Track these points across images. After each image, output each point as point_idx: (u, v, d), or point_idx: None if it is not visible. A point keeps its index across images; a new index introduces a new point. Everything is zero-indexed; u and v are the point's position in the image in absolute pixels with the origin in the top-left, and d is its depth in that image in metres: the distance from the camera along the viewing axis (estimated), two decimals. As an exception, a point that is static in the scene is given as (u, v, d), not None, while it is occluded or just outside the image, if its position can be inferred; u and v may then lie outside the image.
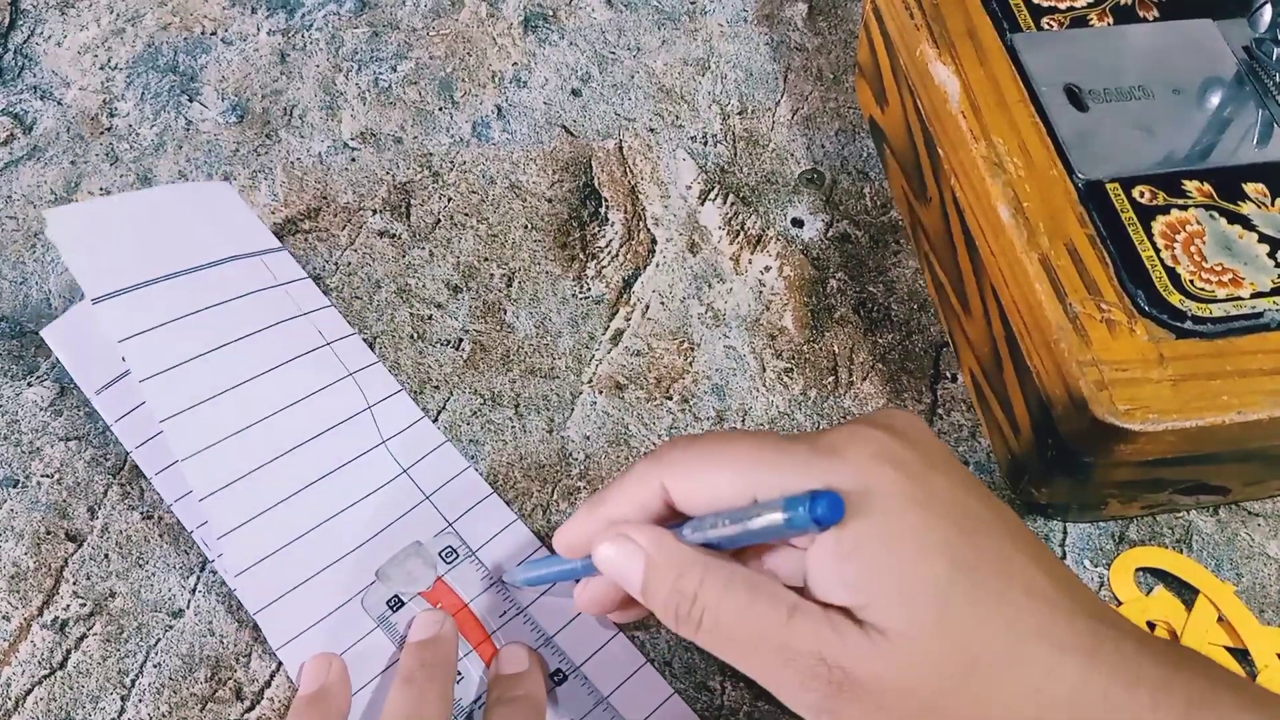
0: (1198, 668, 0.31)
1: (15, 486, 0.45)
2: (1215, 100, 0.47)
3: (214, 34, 0.58)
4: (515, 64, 0.58)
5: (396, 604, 0.42)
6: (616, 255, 0.52)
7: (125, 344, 0.41)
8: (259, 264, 0.47)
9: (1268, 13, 0.46)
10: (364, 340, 0.49)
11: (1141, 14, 0.49)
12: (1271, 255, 0.42)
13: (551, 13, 0.60)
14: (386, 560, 0.43)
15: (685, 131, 0.56)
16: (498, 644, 0.42)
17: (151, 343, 0.42)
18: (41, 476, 0.45)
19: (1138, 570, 0.46)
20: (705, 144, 0.56)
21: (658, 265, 0.52)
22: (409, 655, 0.40)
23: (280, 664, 0.41)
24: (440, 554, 0.43)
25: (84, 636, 0.42)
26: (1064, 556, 0.46)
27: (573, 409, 0.48)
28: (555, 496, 0.46)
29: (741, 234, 0.53)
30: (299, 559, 0.42)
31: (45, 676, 0.41)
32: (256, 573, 0.42)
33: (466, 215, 0.53)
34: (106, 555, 0.43)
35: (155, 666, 0.41)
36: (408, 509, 0.44)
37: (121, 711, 0.40)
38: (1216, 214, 0.43)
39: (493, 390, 0.48)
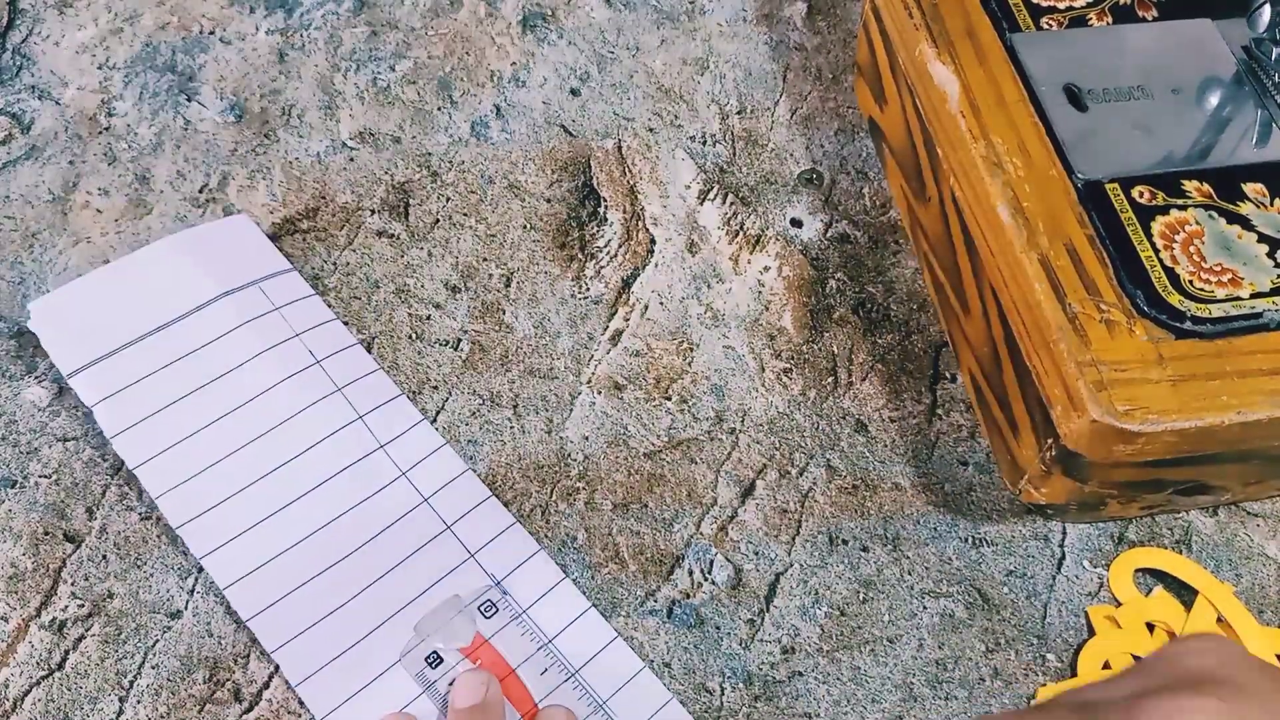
0: None
1: (13, 487, 0.44)
2: (1214, 100, 0.47)
3: (212, 33, 0.58)
4: (514, 63, 0.58)
5: (435, 660, 0.41)
6: (615, 255, 0.52)
7: (96, 408, 0.44)
8: (254, 293, 0.48)
9: (1266, 13, 0.46)
10: (364, 346, 0.49)
11: (1140, 14, 0.49)
12: (1271, 255, 0.42)
13: (550, 12, 0.60)
14: (425, 617, 0.42)
15: (684, 131, 0.56)
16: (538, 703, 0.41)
17: (120, 403, 0.45)
18: (39, 477, 0.45)
19: (1137, 571, 0.46)
20: (704, 144, 0.56)
21: (656, 265, 0.52)
22: None
23: (278, 666, 0.41)
24: (479, 608, 0.43)
25: (82, 637, 0.42)
26: (1063, 557, 0.46)
27: (571, 409, 0.48)
28: (554, 497, 0.46)
29: (740, 234, 0.53)
30: (297, 571, 0.42)
31: (43, 677, 0.41)
32: (271, 613, 0.42)
33: (465, 215, 0.53)
34: (104, 556, 0.43)
35: (153, 667, 0.41)
36: (408, 510, 0.44)
37: (120, 712, 0.40)
38: (1216, 214, 0.43)
39: (491, 391, 0.48)
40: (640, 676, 0.42)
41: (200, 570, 0.43)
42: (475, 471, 0.46)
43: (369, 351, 0.49)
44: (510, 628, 0.42)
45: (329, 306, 0.49)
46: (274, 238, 0.51)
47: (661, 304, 0.51)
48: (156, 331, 0.46)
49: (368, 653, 0.41)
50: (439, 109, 0.56)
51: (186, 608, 0.42)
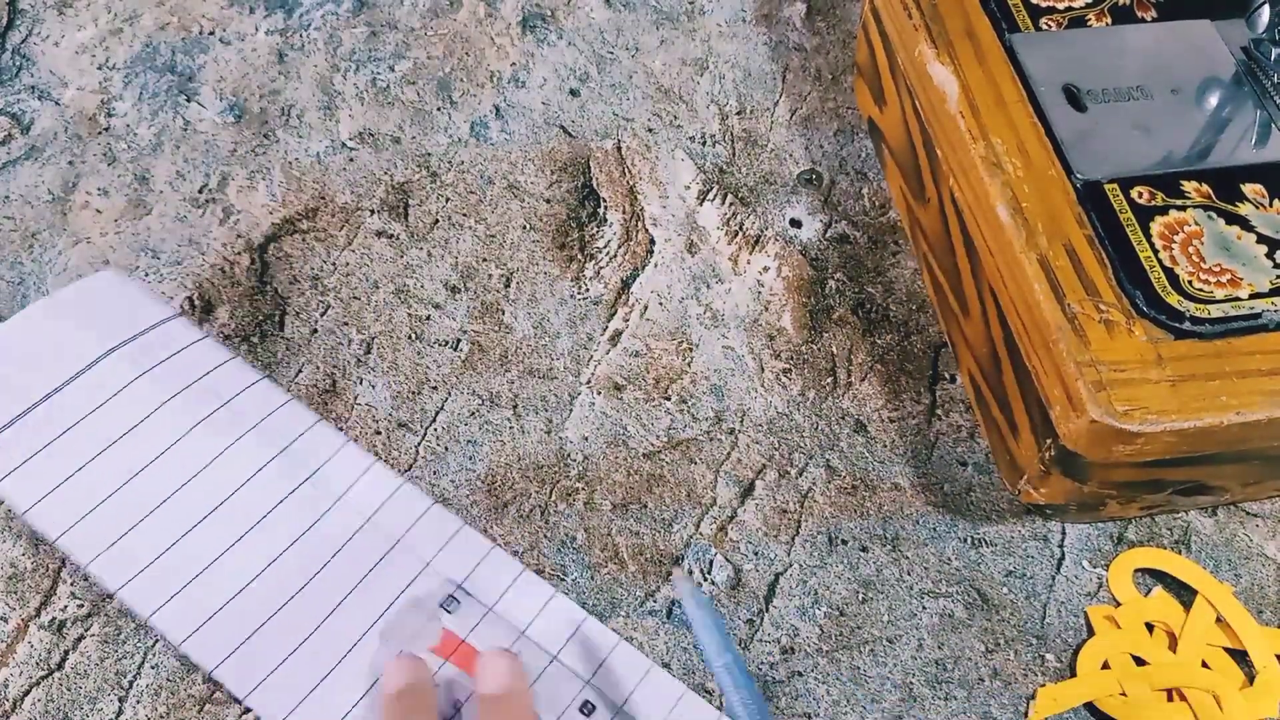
0: None
1: (13, 487, 0.45)
2: (1213, 101, 0.47)
3: (212, 34, 0.58)
4: (513, 64, 0.58)
5: None
6: (615, 256, 0.52)
7: (1, 484, 0.42)
8: (141, 345, 0.46)
9: (1266, 13, 0.46)
10: (364, 345, 0.49)
11: (1140, 14, 0.49)
12: (1270, 256, 0.42)
13: (550, 12, 0.60)
14: (387, 622, 0.41)
15: (684, 132, 0.56)
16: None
17: (26, 476, 0.42)
18: (39, 477, 0.45)
19: (1136, 571, 0.46)
20: (704, 144, 0.56)
21: (656, 265, 0.52)
22: (389, 711, 0.38)
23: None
24: (441, 604, 0.42)
25: (81, 637, 0.42)
26: (1062, 558, 0.46)
27: (571, 409, 0.48)
28: (553, 497, 0.46)
29: (740, 234, 0.53)
30: (251, 615, 0.41)
31: (43, 677, 0.41)
32: (234, 661, 0.40)
33: (464, 215, 0.53)
34: (104, 556, 0.43)
35: (153, 668, 0.41)
36: (352, 534, 0.43)
37: (119, 712, 0.40)
38: (1215, 214, 0.43)
39: (491, 391, 0.48)
40: (652, 675, 0.42)
41: (200, 570, 0.43)
42: (474, 471, 0.46)
43: (369, 351, 0.49)
44: (481, 624, 0.42)
45: (225, 345, 0.47)
46: (274, 238, 0.51)
47: (661, 304, 0.51)
48: (46, 399, 0.44)
49: (339, 682, 0.40)
50: (438, 109, 0.56)
51: (186, 608, 0.43)
